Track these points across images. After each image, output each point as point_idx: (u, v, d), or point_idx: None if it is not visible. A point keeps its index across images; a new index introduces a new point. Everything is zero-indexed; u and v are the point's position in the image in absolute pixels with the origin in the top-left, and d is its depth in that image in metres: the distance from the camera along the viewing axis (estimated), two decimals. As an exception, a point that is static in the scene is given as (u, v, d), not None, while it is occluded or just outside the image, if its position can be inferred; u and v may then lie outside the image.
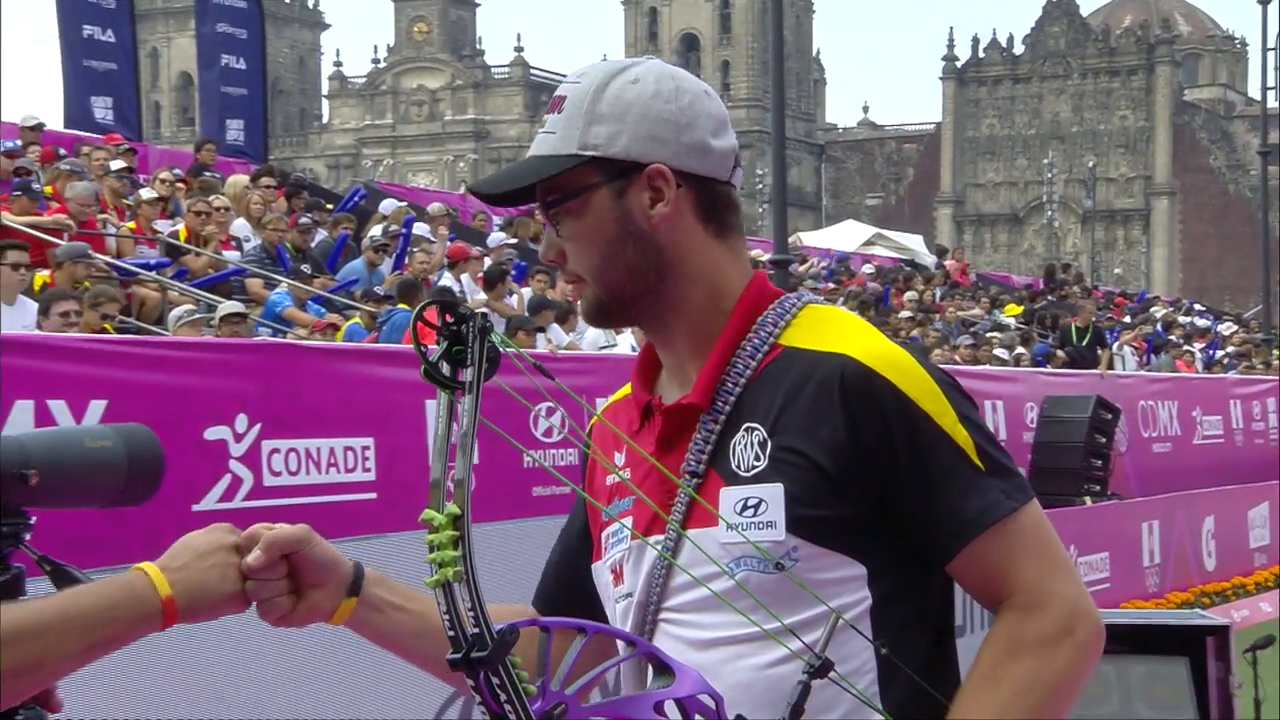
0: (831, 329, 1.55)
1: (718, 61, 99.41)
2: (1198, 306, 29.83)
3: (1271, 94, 22.33)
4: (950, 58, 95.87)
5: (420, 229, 12.75)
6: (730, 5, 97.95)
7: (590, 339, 11.24)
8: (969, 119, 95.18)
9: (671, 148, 1.54)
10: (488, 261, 12.29)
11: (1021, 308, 19.69)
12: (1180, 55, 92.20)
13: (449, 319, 1.24)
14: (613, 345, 11.19)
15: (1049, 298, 23.32)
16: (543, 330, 9.76)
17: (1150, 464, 12.94)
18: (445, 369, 1.24)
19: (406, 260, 11.66)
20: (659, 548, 1.54)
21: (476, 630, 1.20)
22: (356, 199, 15.51)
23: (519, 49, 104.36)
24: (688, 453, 1.54)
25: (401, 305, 9.69)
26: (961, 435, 1.50)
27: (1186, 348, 18.36)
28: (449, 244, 12.69)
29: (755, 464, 1.51)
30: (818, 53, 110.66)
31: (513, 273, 12.07)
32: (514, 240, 13.93)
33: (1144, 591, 10.05)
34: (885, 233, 35.87)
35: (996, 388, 11.24)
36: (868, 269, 19.66)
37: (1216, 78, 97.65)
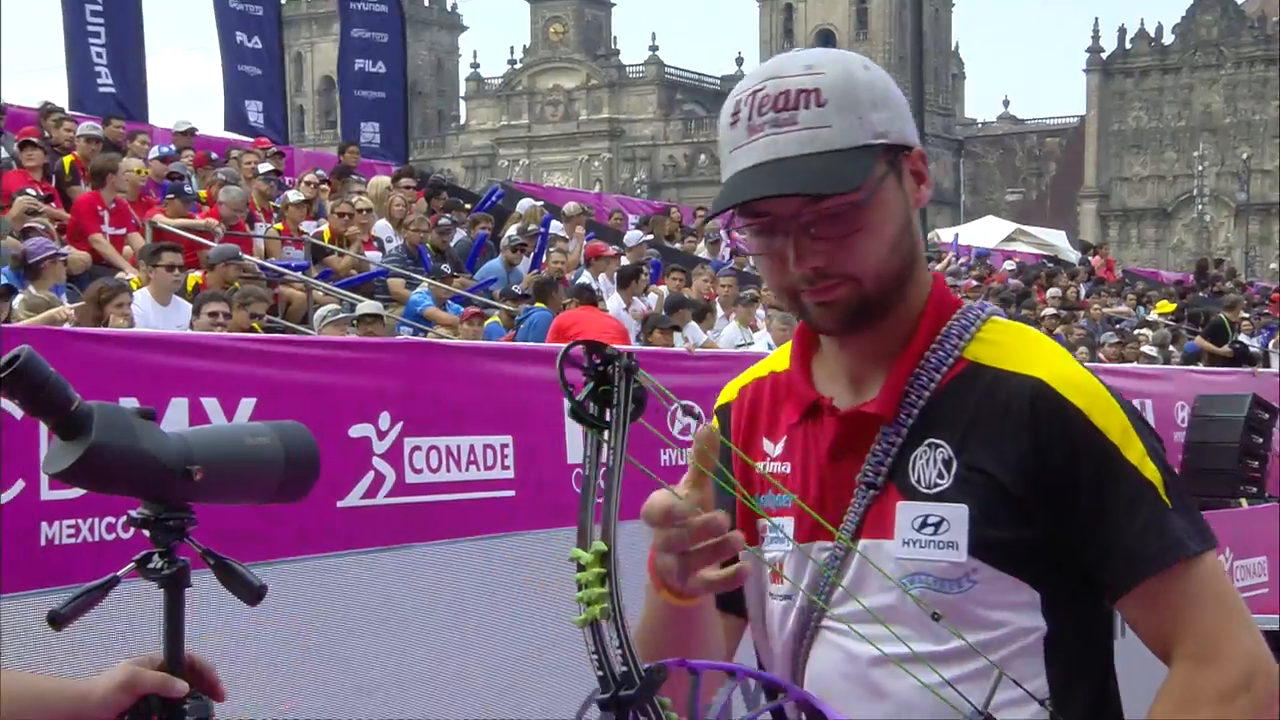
0: (1020, 348, 1.52)
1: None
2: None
3: None
4: (1095, 49, 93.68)
5: (557, 228, 12.87)
6: (867, 1, 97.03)
7: (727, 337, 11.23)
8: (1114, 111, 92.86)
9: (913, 129, 1.54)
10: (625, 260, 12.34)
11: (1174, 305, 19.15)
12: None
13: (596, 359, 1.24)
14: (749, 343, 11.16)
15: (1201, 294, 22.66)
16: (679, 329, 9.77)
17: (1306, 467, 12.48)
18: (592, 408, 1.24)
19: (544, 259, 11.77)
20: (826, 554, 1.51)
21: (625, 668, 1.19)
22: (494, 199, 15.71)
23: (653, 48, 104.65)
24: (865, 463, 1.50)
25: (539, 304, 9.78)
26: (1150, 470, 1.47)
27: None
28: (586, 243, 12.78)
29: (938, 481, 1.47)
30: (956, 46, 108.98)
31: (649, 271, 12.11)
32: (650, 237, 13.97)
33: (1309, 598, 9.68)
34: (1026, 228, 35.24)
35: (1146, 386, 10.95)
36: (1009, 265, 19.31)
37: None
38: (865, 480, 1.49)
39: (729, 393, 1.67)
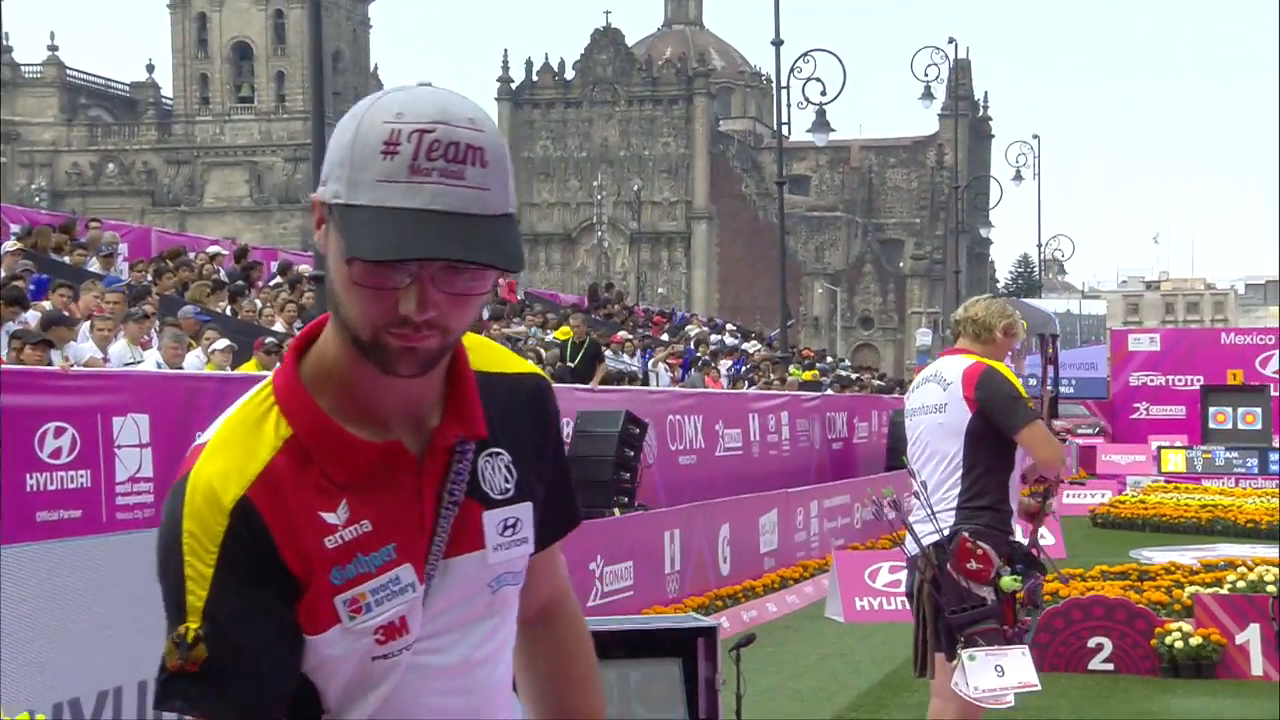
0: (493, 350, 1.66)
1: (272, 72, 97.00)
2: (729, 326, 31.82)
3: (788, 128, 24.12)
4: (505, 79, 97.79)
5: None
6: (284, 15, 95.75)
7: (117, 354, 10.69)
8: (524, 140, 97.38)
9: None
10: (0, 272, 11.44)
11: (571, 331, 20.03)
12: (715, 88, 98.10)
13: None
14: (139, 361, 10.69)
15: (594, 316, 24.18)
16: (54, 345, 9.18)
17: (677, 475, 13.64)
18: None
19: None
20: (428, 580, 1.52)
21: None
22: None
23: (53, 48, 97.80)
24: (449, 483, 1.52)
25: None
26: None
27: (714, 365, 19.48)
28: (-46, 253, 11.73)
29: (506, 486, 1.57)
30: (376, 68, 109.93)
31: (30, 287, 11.30)
32: (24, 248, 13.04)
33: (665, 597, 10.52)
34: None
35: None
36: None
37: (747, 110, 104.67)
38: (453, 500, 1.52)
39: (235, 486, 1.45)
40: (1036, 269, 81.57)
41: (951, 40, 32.56)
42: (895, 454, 20.57)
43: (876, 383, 28.43)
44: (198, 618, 1.42)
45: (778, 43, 22.65)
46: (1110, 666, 8.75)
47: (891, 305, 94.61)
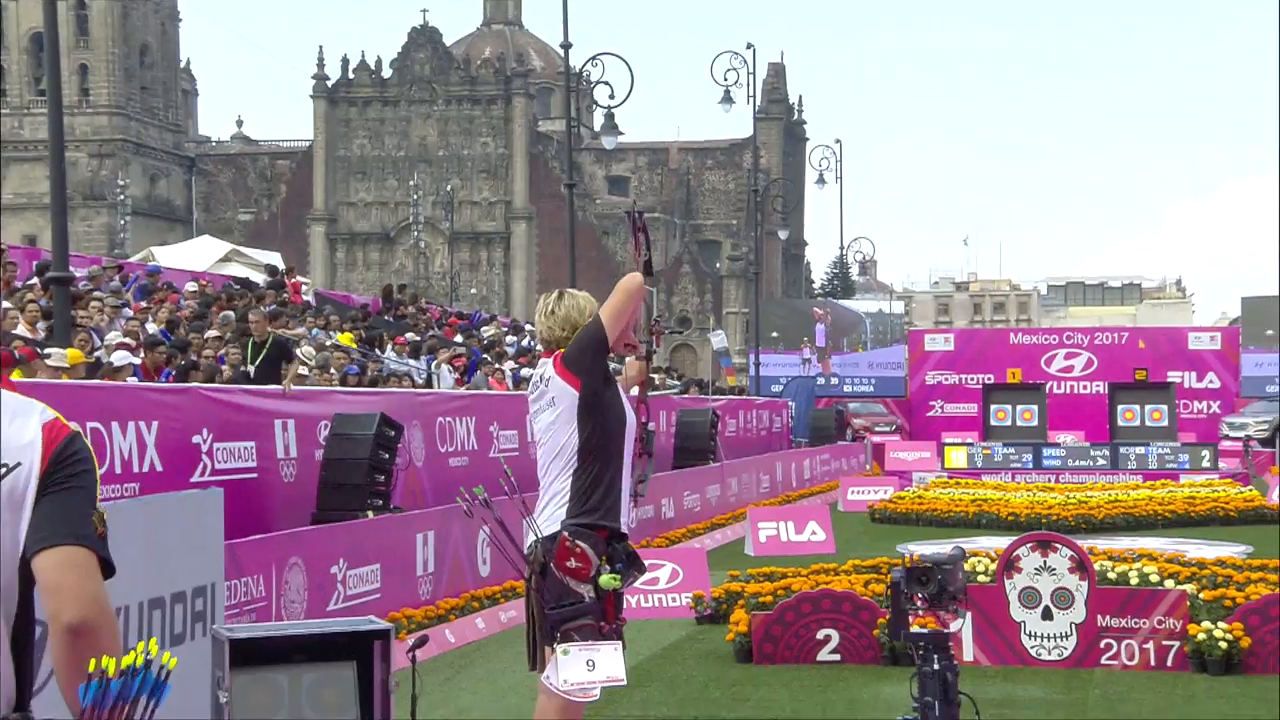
0: None
1: (75, 65, 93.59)
2: (529, 327, 31.78)
3: (588, 131, 24.29)
4: (321, 76, 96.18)
5: None
6: (87, 6, 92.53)
7: None
8: (341, 138, 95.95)
9: None
10: None
11: (350, 337, 19.77)
12: (534, 89, 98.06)
13: None
14: None
15: (386, 317, 23.99)
16: None
17: (448, 477, 13.58)
18: None
19: None
20: None
21: None
22: None
23: None
24: None
25: None
26: None
27: (499, 366, 19.47)
28: None
29: None
30: (188, 62, 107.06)
31: None
32: None
33: (416, 600, 10.48)
34: (243, 250, 35.32)
35: (291, 407, 11.38)
36: (191, 287, 19.23)
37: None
38: None
39: None
40: (848, 270, 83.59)
41: (750, 45, 33.13)
42: (682, 453, 20.93)
43: (671, 383, 28.80)
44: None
45: (566, 45, 22.82)
46: (837, 657, 9.05)
47: (709, 305, 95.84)
